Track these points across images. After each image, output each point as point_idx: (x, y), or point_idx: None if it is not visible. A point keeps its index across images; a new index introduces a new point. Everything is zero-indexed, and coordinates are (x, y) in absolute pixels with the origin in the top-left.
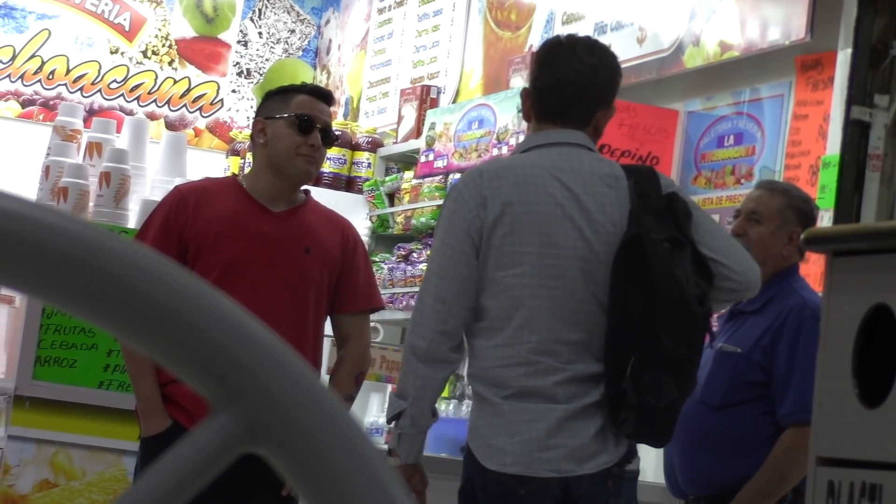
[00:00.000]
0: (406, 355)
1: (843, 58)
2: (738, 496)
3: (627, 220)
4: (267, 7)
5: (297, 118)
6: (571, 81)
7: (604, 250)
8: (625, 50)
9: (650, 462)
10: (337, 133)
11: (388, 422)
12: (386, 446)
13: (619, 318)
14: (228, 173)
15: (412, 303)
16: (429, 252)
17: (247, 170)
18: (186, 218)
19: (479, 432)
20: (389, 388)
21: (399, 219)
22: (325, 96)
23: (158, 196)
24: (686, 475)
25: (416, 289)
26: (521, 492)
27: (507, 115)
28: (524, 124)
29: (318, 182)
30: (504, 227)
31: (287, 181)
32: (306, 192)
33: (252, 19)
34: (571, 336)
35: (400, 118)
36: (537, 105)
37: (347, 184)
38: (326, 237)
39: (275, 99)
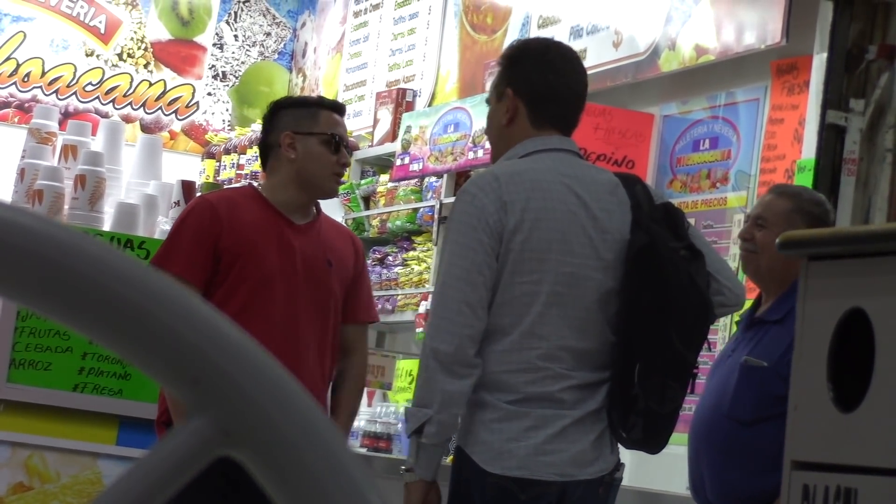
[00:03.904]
0: (428, 362)
1: (819, 62)
2: None
3: (631, 227)
4: (243, 10)
5: (331, 137)
6: (581, 94)
7: (612, 258)
8: (601, 54)
9: (626, 466)
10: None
11: (410, 435)
12: (363, 451)
13: (630, 324)
14: (204, 176)
15: (387, 306)
16: (404, 255)
17: (222, 173)
18: (220, 227)
19: (480, 437)
20: (365, 391)
21: (374, 222)
22: (343, 111)
23: (134, 199)
24: (716, 490)
25: (392, 292)
26: (522, 497)
27: (482, 118)
28: None
29: None
30: (523, 232)
31: (313, 196)
32: (317, 203)
33: (228, 22)
34: (578, 344)
35: (376, 121)
36: (544, 111)
37: None
38: (342, 250)
39: (298, 112)
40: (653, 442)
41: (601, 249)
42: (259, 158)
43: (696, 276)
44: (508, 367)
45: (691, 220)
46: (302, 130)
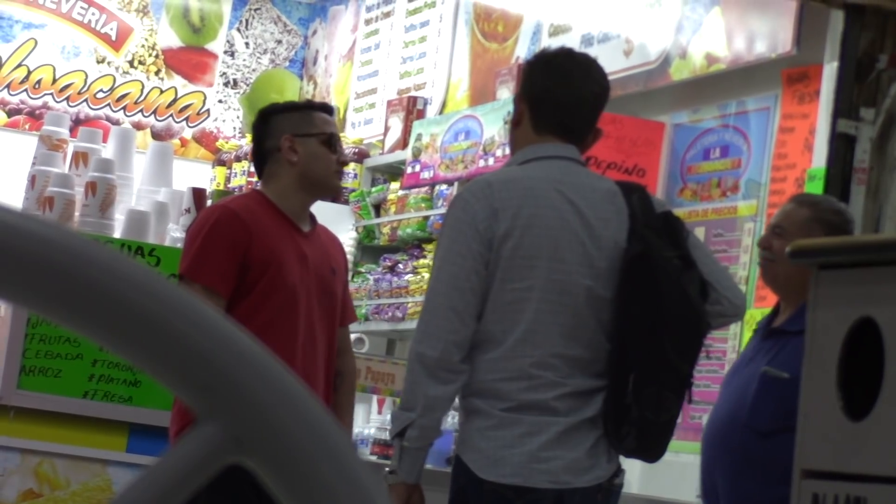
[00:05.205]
0: (413, 365)
1: (830, 71)
2: None
3: (627, 236)
4: (254, 17)
5: (329, 137)
6: (588, 101)
7: (606, 266)
8: (612, 62)
9: (634, 474)
10: None
11: (393, 437)
12: (373, 458)
13: (624, 334)
14: (214, 184)
15: (398, 314)
16: (415, 263)
17: (233, 180)
18: (250, 239)
19: (475, 444)
20: (375, 399)
21: (385, 230)
22: (333, 112)
23: (144, 206)
24: (730, 499)
25: (402, 300)
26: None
27: (493, 126)
28: None
29: None
30: (514, 239)
31: (317, 197)
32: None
33: (239, 29)
34: (571, 351)
35: (386, 129)
36: (544, 116)
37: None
38: (337, 257)
39: (292, 115)
40: (648, 451)
41: (595, 257)
42: (254, 167)
43: (688, 286)
44: (502, 374)
45: (701, 229)
46: (301, 132)
